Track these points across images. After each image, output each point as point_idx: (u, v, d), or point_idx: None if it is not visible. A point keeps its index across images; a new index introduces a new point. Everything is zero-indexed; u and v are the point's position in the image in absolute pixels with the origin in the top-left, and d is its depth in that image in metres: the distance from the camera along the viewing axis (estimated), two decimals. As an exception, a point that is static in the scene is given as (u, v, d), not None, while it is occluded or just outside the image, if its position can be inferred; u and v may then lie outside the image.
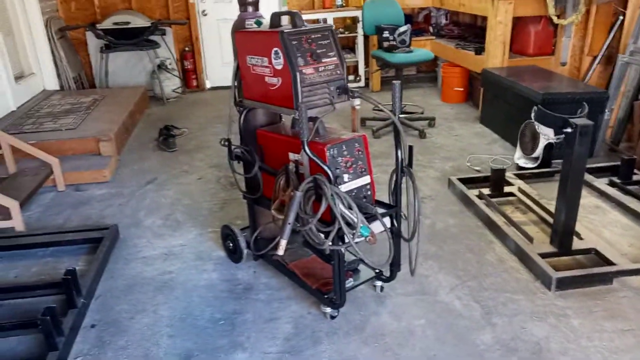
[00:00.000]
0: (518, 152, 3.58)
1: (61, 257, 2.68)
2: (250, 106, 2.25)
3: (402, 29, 4.32)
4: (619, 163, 3.33)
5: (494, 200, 3.04)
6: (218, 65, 6.26)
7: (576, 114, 3.22)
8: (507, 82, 4.03)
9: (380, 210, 2.07)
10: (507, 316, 2.12)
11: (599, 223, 2.84)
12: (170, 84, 5.88)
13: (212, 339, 2.06)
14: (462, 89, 5.31)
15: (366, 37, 5.77)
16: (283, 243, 1.94)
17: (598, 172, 3.37)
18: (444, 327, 2.07)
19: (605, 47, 4.14)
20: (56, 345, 1.91)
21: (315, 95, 1.98)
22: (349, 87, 2.06)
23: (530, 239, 2.56)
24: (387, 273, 2.28)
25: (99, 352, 2.01)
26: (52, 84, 5.44)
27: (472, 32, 5.46)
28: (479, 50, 4.80)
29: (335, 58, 2.04)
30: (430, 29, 6.08)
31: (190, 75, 6.21)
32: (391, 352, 1.95)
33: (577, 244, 2.51)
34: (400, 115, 4.49)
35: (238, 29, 2.19)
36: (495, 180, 3.14)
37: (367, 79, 6.06)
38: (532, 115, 3.37)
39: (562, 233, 2.46)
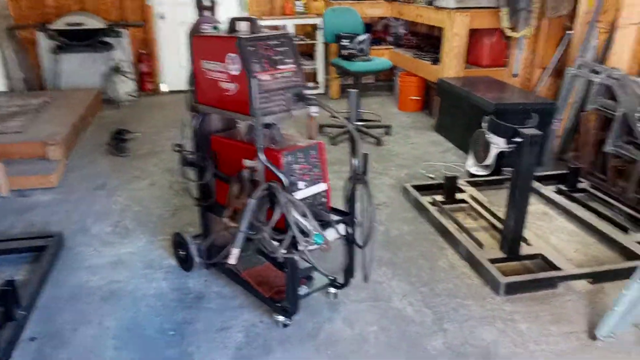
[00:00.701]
0: (470, 160, 3.66)
1: (2, 267, 2.55)
2: (205, 111, 2.22)
3: (361, 37, 4.36)
4: (566, 171, 3.46)
5: (446, 207, 3.09)
6: (176, 69, 6.15)
7: (526, 124, 3.31)
8: (462, 92, 4.13)
9: (335, 218, 2.07)
10: (458, 322, 2.16)
11: (547, 229, 2.94)
12: (125, 86, 5.73)
13: (160, 350, 1.99)
14: (418, 98, 5.40)
15: (326, 45, 5.80)
16: (236, 252, 1.90)
17: (546, 180, 3.49)
18: (397, 334, 2.09)
19: (555, 60, 4.30)
20: (-9, 360, 1.81)
21: (271, 102, 1.96)
22: (306, 94, 2.05)
23: (480, 245, 2.62)
24: (341, 280, 2.28)
25: (39, 367, 1.91)
26: (0, 85, 5.20)
27: (429, 42, 5.57)
28: (436, 61, 4.91)
29: (292, 65, 2.03)
30: (389, 38, 6.17)
31: (146, 78, 6.08)
32: (344, 359, 1.95)
33: (525, 250, 2.58)
34: (358, 123, 4.55)
35: (194, 33, 2.15)
36: (448, 188, 3.20)
37: (326, 86, 6.09)
38: (484, 124, 3.45)
39: (511, 239, 2.53)
